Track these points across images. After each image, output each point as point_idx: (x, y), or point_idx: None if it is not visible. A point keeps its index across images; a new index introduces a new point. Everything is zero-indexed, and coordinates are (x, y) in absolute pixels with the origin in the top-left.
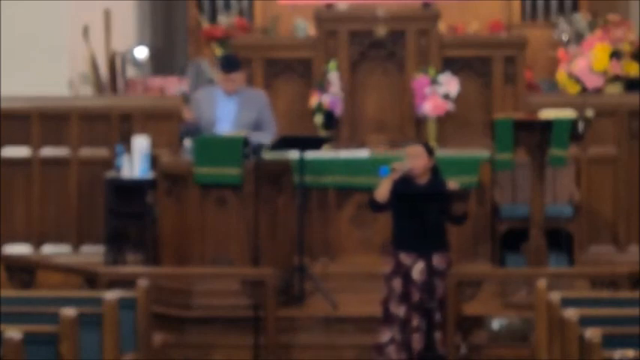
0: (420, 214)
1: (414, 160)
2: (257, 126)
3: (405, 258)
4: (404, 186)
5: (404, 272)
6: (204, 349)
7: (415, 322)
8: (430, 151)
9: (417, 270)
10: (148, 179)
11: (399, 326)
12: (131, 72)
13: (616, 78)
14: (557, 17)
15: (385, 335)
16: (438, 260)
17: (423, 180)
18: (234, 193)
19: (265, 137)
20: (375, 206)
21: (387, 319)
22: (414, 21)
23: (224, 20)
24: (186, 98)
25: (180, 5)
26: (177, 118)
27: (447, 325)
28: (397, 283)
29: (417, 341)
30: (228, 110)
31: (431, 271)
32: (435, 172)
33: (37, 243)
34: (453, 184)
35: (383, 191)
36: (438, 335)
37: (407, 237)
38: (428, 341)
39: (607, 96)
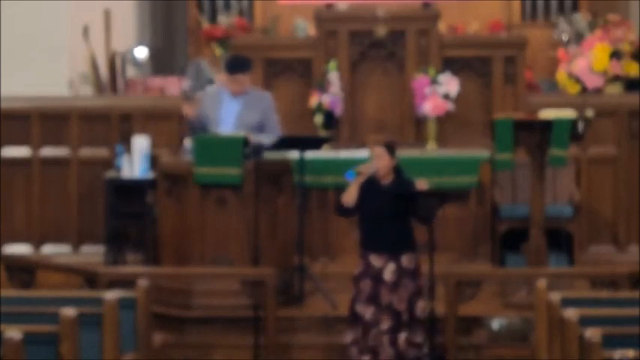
0: (386, 214)
1: (376, 160)
2: (260, 128)
3: (375, 259)
4: (369, 188)
5: (374, 274)
6: (204, 349)
7: (385, 324)
8: (392, 151)
9: (389, 271)
10: (148, 179)
11: (364, 328)
12: (131, 72)
13: (616, 78)
14: (557, 17)
15: (348, 336)
16: (407, 260)
17: (386, 180)
18: (234, 193)
19: (267, 139)
20: (342, 211)
21: (353, 320)
22: (414, 21)
23: (224, 20)
24: (186, 96)
25: (180, 5)
26: (178, 116)
27: (447, 324)
28: (366, 285)
29: (386, 343)
30: (231, 111)
31: (401, 272)
32: (398, 171)
33: (37, 243)
34: (421, 183)
35: (350, 195)
36: (402, 335)
37: (375, 238)
38: (395, 343)
39: (607, 96)
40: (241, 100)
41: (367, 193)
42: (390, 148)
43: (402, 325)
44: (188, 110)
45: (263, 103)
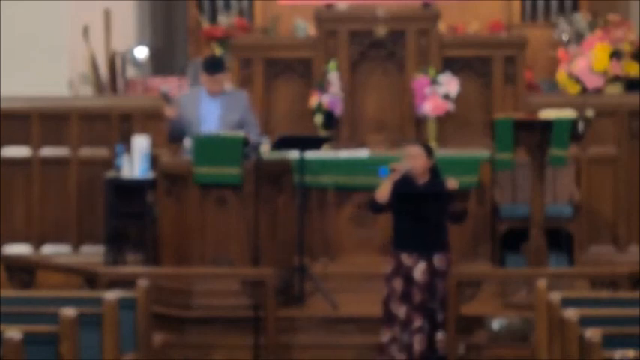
0: (421, 214)
1: (413, 160)
2: (240, 126)
3: (406, 258)
4: (404, 186)
5: (405, 273)
6: (204, 349)
7: (417, 322)
8: (429, 152)
9: (419, 270)
10: (148, 179)
11: (400, 326)
12: (131, 72)
13: (616, 78)
14: (557, 17)
15: (386, 335)
16: (438, 260)
17: (422, 180)
18: (234, 193)
19: (254, 137)
20: (376, 207)
21: (388, 319)
22: (414, 21)
23: (224, 20)
24: (166, 97)
25: (180, 5)
26: (160, 117)
27: (447, 325)
28: (398, 284)
29: (418, 342)
30: (212, 111)
31: (432, 272)
32: (435, 172)
33: (37, 243)
34: (452, 183)
35: (384, 192)
36: (439, 336)
37: (408, 237)
38: (430, 342)
39: (607, 96)
40: (220, 100)
41: (402, 191)
42: (429, 149)
43: (438, 325)
44: (169, 112)
45: (241, 102)
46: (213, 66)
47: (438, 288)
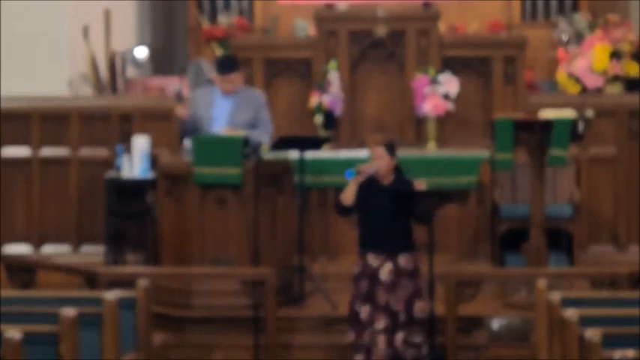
0: (387, 214)
1: (377, 161)
2: (252, 126)
3: (372, 259)
4: (369, 187)
5: (370, 273)
6: (204, 349)
7: (380, 324)
8: (391, 151)
9: (385, 271)
10: (148, 179)
11: (359, 327)
12: (131, 72)
13: (616, 78)
14: (557, 17)
15: (350, 336)
16: (405, 261)
17: (387, 180)
18: (234, 193)
19: (261, 135)
20: (342, 210)
21: (352, 319)
22: (414, 21)
23: (224, 20)
24: (179, 97)
25: (180, 5)
26: (172, 117)
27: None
28: (364, 284)
29: (382, 343)
30: (223, 110)
31: (398, 272)
32: (398, 171)
33: (37, 243)
34: (420, 184)
35: (349, 194)
36: (400, 336)
37: (374, 238)
38: (392, 343)
39: (607, 96)
40: (233, 100)
41: (367, 192)
42: (390, 148)
43: (399, 326)
44: (181, 111)
45: (255, 101)
46: (226, 66)
47: (404, 288)
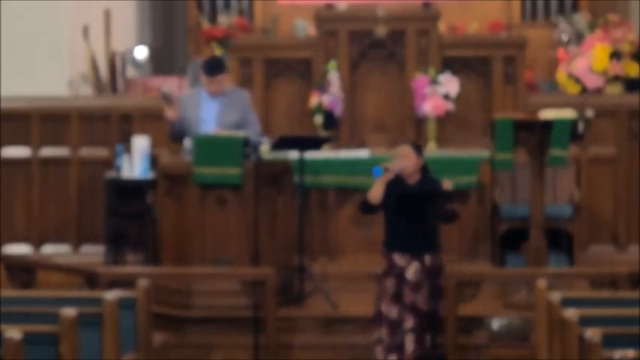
0: (414, 214)
1: (404, 160)
2: (240, 126)
3: (398, 258)
4: (396, 186)
5: (397, 273)
6: (204, 349)
7: (409, 323)
8: (419, 150)
9: (412, 270)
10: (148, 179)
11: (390, 327)
12: (131, 72)
13: (616, 78)
14: (557, 17)
15: (373, 335)
16: (430, 261)
17: (413, 180)
18: (234, 193)
19: (254, 136)
20: (368, 208)
21: (376, 319)
22: (414, 21)
23: (224, 20)
24: (167, 98)
25: (180, 5)
26: (159, 118)
27: (442, 325)
28: (390, 284)
29: (410, 342)
30: (211, 111)
31: (424, 272)
32: (425, 171)
33: (37, 243)
34: (447, 183)
35: (377, 192)
36: (428, 336)
37: (400, 237)
38: (422, 342)
39: (607, 96)
40: (220, 101)
41: (393, 191)
42: (418, 148)
43: (428, 326)
44: (170, 113)
45: (241, 101)
46: (213, 67)
47: (429, 288)
